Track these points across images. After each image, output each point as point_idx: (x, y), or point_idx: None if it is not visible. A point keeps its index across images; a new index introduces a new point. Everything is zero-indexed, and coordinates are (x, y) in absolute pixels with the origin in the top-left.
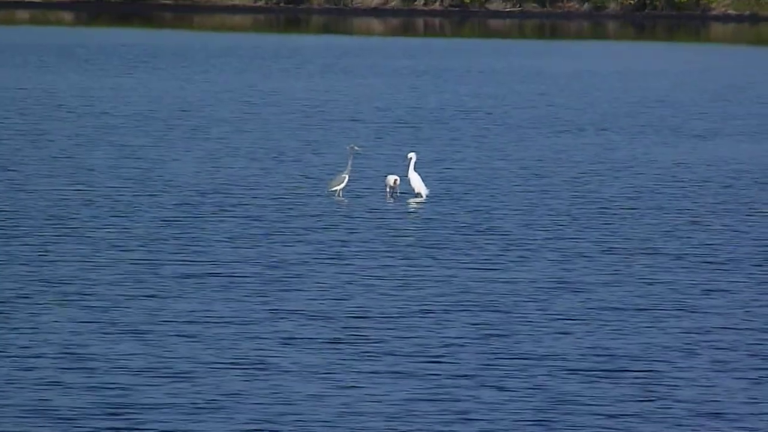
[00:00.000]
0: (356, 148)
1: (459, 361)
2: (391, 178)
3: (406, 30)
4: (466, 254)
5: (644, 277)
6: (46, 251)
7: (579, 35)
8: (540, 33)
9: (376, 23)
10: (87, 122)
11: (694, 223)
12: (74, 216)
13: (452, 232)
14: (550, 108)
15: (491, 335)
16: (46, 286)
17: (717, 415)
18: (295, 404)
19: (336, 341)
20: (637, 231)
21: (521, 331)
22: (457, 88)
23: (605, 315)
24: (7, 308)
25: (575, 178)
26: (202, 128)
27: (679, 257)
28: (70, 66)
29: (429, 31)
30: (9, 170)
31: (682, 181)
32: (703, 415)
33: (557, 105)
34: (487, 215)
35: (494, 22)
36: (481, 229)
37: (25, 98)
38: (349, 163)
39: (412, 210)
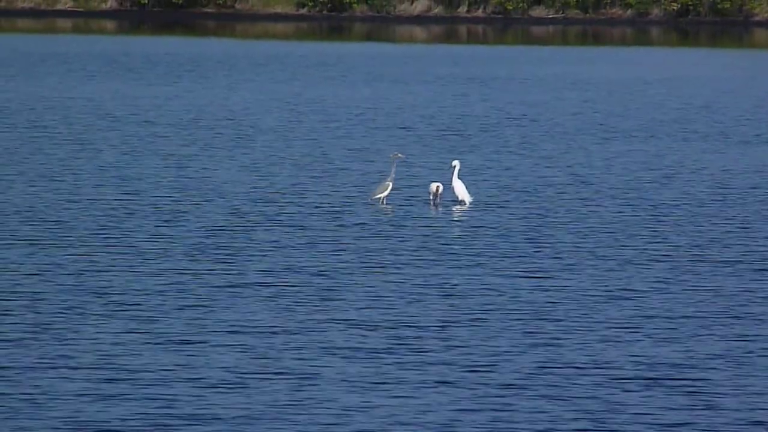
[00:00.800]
0: (400, 155)
1: (507, 371)
2: (434, 186)
3: (449, 37)
4: (510, 262)
5: (693, 285)
6: (92, 261)
7: (622, 42)
8: (583, 40)
9: (418, 31)
10: (132, 131)
11: (743, 229)
12: (120, 225)
13: (497, 239)
14: (596, 115)
15: (538, 344)
16: (92, 297)
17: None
18: (341, 415)
19: (381, 351)
20: (686, 238)
21: (570, 339)
22: (502, 96)
23: (655, 323)
24: (54, 318)
25: (623, 185)
26: (247, 137)
27: (728, 264)
28: (114, 75)
29: (472, 39)
30: (55, 180)
31: (731, 188)
32: (753, 424)
33: (603, 112)
34: (532, 223)
35: (537, 29)
36: (526, 237)
37: (69, 107)
38: (393, 170)
39: (456, 218)
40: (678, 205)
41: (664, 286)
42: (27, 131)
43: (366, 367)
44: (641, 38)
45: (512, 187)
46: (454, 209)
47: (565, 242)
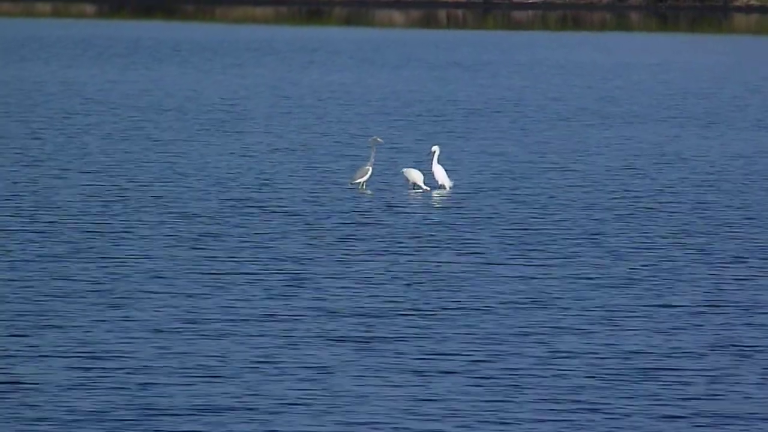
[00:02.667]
0: (378, 140)
1: (491, 358)
2: (413, 172)
3: (429, 22)
4: (492, 247)
5: (687, 273)
6: (78, 250)
7: (602, 27)
8: (563, 25)
9: (397, 15)
10: (117, 116)
11: (747, 219)
12: (101, 210)
13: (477, 225)
14: (580, 100)
15: (527, 332)
16: (80, 286)
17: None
18: (333, 404)
19: (350, 339)
20: (679, 225)
21: (557, 326)
22: (485, 81)
23: (644, 311)
24: (43, 308)
25: (608, 170)
26: (231, 122)
27: (725, 251)
28: (93, 59)
29: (452, 23)
30: (39, 165)
31: (732, 173)
32: (750, 414)
33: (587, 97)
34: (515, 208)
35: (517, 14)
36: (508, 222)
37: (51, 92)
38: (372, 155)
39: (436, 203)
40: (671, 192)
41: (654, 274)
42: (6, 116)
43: (344, 355)
44: (621, 23)
45: (494, 172)
46: (434, 194)
47: (548, 228)
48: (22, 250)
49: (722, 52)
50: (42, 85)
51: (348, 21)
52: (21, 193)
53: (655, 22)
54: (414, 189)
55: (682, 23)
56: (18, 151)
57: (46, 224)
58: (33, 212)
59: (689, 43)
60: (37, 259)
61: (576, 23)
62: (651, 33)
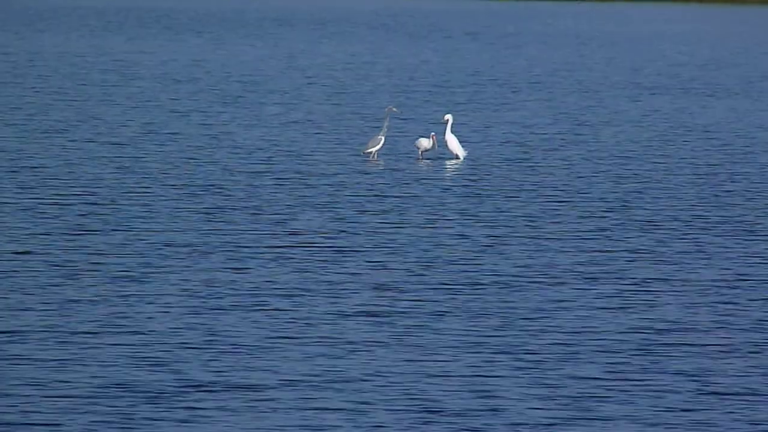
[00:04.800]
0: (394, 109)
1: (499, 334)
2: (425, 140)
3: None
4: (503, 218)
5: (714, 246)
6: (82, 226)
7: None
8: None
9: None
10: (122, 84)
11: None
12: (110, 185)
13: (489, 195)
14: (589, 72)
15: (532, 307)
16: (92, 260)
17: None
18: (346, 381)
19: (375, 314)
20: (708, 197)
21: (562, 303)
22: (495, 52)
23: (657, 285)
24: (54, 283)
25: (621, 142)
26: (239, 95)
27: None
28: (91, 30)
29: None
30: (50, 135)
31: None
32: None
33: (595, 69)
34: (527, 179)
35: None
36: (520, 192)
37: (45, 62)
38: (386, 124)
39: (449, 173)
40: (699, 162)
41: (664, 248)
42: (12, 87)
43: (362, 331)
44: None
45: (509, 143)
46: (447, 164)
47: (558, 201)
48: (34, 223)
49: (730, 22)
50: (29, 55)
51: None
52: (28, 163)
53: None
54: (454, 158)
55: None
56: (19, 121)
57: (58, 200)
58: (32, 183)
59: (696, 12)
60: (51, 235)
61: None
62: (660, 3)
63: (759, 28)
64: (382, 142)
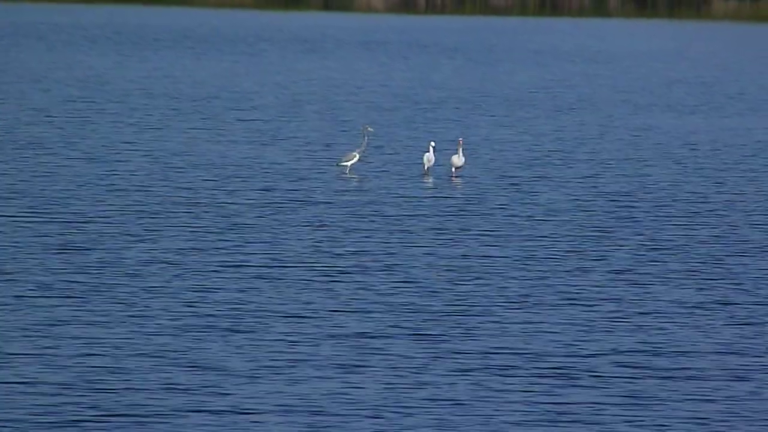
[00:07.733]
0: (369, 128)
1: (497, 340)
2: (456, 158)
3: (407, 7)
4: (501, 231)
5: (724, 266)
6: (67, 241)
7: (580, 12)
8: (541, 10)
9: (376, 0)
10: (106, 101)
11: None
12: (89, 198)
13: (487, 209)
14: (563, 90)
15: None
16: (76, 274)
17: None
18: (338, 400)
19: (358, 336)
20: (716, 215)
21: (565, 312)
22: (474, 68)
23: (660, 307)
24: (43, 293)
25: (606, 158)
26: (219, 108)
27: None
28: (76, 46)
29: (430, 9)
30: (43, 153)
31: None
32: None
33: (570, 85)
34: (522, 190)
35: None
36: (516, 203)
37: (37, 77)
38: (364, 142)
39: (453, 185)
40: (675, 183)
41: (654, 269)
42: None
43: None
44: (599, 9)
45: (501, 158)
46: (454, 179)
47: (544, 220)
48: (30, 239)
49: (701, 39)
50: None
51: (326, 6)
52: (11, 180)
53: (633, 8)
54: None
55: (660, 8)
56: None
57: (41, 214)
58: (34, 202)
59: (667, 29)
60: (37, 251)
61: (554, 9)
62: (630, 19)
63: (722, 43)
64: (356, 158)
